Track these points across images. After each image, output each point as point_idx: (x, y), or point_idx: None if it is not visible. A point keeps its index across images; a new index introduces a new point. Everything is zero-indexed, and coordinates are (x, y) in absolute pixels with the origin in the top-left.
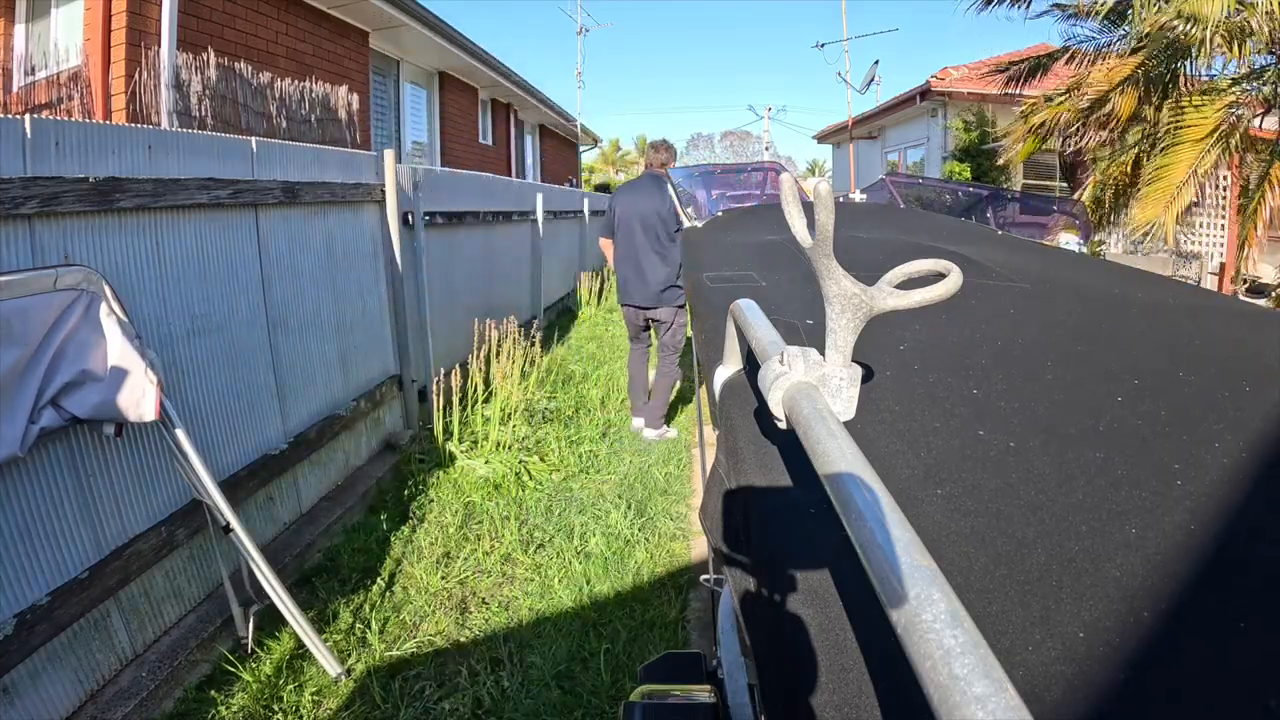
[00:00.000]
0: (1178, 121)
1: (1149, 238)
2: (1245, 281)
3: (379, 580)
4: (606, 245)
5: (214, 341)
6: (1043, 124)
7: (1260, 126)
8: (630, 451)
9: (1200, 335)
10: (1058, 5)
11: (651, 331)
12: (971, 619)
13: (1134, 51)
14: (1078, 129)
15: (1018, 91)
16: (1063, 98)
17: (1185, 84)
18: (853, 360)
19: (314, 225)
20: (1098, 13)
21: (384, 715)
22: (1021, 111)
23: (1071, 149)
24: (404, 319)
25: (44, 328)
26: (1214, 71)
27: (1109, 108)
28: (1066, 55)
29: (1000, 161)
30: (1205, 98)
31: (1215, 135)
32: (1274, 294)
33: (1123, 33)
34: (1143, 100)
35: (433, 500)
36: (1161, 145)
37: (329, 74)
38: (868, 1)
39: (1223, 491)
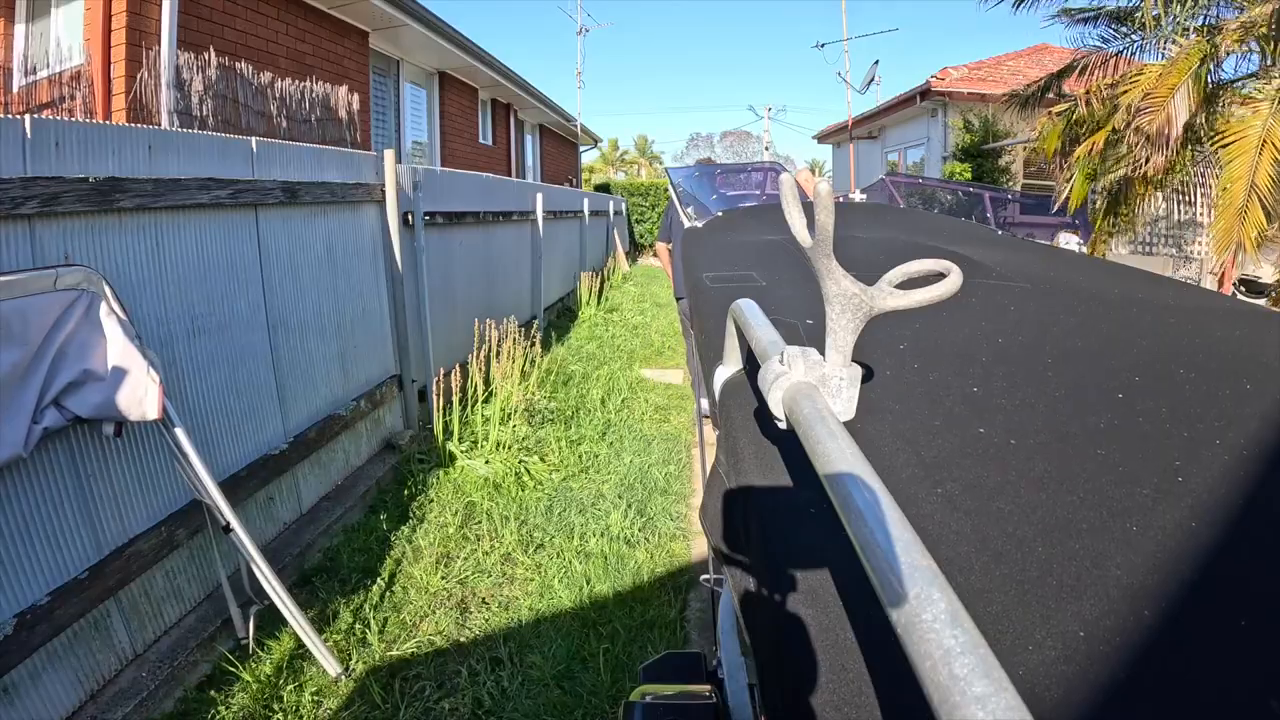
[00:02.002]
0: (1222, 135)
1: (1223, 263)
2: (1243, 283)
3: (379, 580)
4: (663, 249)
5: (214, 341)
6: (1090, 152)
7: None
8: (630, 452)
9: (1200, 334)
10: (1065, 11)
11: None
12: (971, 619)
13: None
14: (1118, 148)
15: (1035, 98)
16: (1097, 112)
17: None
18: (853, 360)
19: (314, 225)
20: (1130, 19)
21: (384, 715)
22: (1038, 121)
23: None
24: (404, 319)
25: (45, 328)
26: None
27: (1159, 122)
28: (1077, 70)
29: (1002, 163)
30: (1245, 106)
31: (1262, 142)
32: (1273, 294)
33: (1136, 39)
34: (1196, 111)
35: (433, 500)
36: (1215, 160)
37: (329, 74)
38: (868, 1)
39: (1223, 489)
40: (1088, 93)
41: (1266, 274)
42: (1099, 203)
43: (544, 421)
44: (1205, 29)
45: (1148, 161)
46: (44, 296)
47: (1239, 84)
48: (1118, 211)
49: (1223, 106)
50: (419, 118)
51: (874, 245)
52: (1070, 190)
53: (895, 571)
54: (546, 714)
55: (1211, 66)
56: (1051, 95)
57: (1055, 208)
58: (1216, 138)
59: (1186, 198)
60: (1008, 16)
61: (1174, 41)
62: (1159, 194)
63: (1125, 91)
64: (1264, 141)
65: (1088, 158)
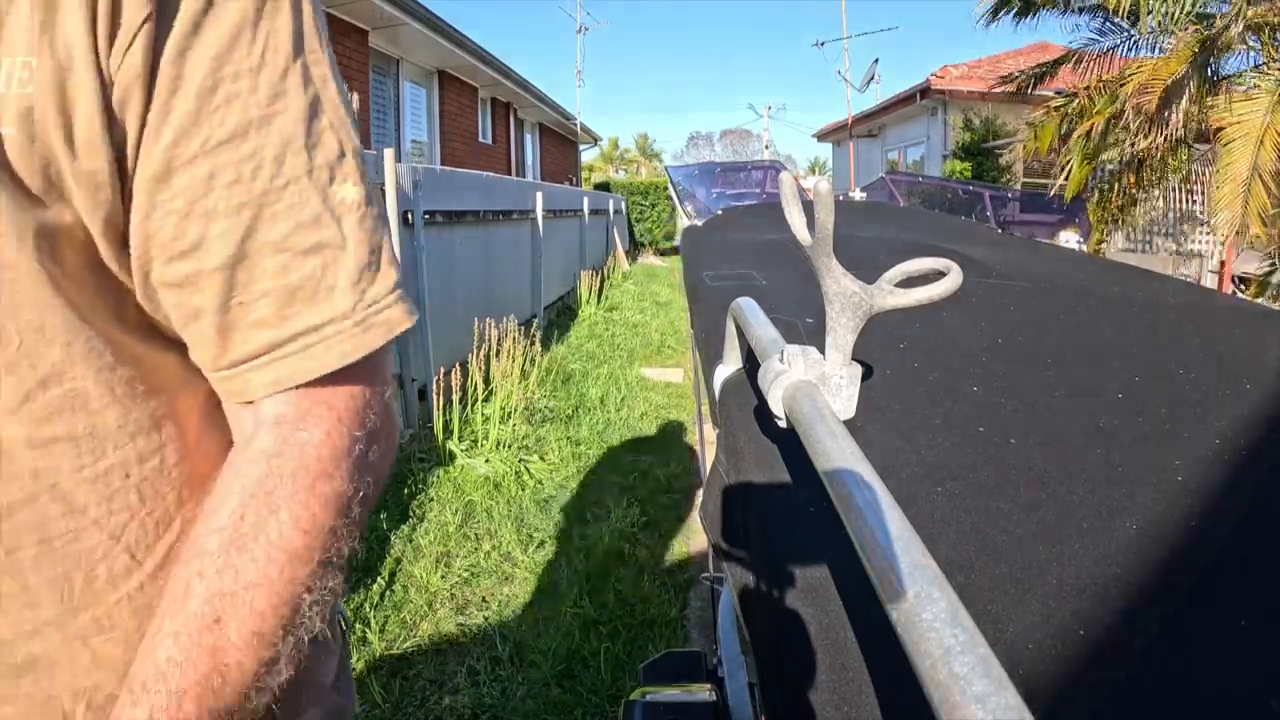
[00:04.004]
0: (1224, 120)
1: (1232, 242)
2: (1242, 281)
3: (379, 579)
4: None
5: None
6: (1088, 134)
7: None
8: (630, 450)
9: (1200, 333)
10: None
11: None
12: (971, 617)
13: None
14: (1120, 133)
15: (1029, 91)
16: (1095, 105)
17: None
18: (853, 359)
19: None
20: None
21: (384, 714)
22: (1029, 120)
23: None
24: None
25: None
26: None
27: (1158, 107)
28: (1074, 60)
29: (1002, 162)
30: (1248, 94)
31: (1265, 127)
32: (1256, 284)
33: (1129, 34)
34: (1192, 100)
35: (433, 499)
36: (1221, 142)
37: None
38: (867, 0)
39: (1223, 489)
40: (1087, 87)
41: (1253, 268)
42: (1097, 194)
43: (544, 420)
44: (1200, 18)
45: (1147, 138)
46: None
47: (1239, 76)
48: (1119, 203)
49: (1223, 96)
50: (418, 116)
51: (874, 244)
52: (1069, 175)
53: (895, 570)
54: (546, 713)
55: (1211, 56)
56: (1047, 91)
57: (1052, 194)
58: (1219, 131)
59: (1187, 192)
60: (1006, 19)
61: (1171, 34)
62: (1156, 190)
63: (1124, 84)
64: (1266, 128)
65: (1086, 139)
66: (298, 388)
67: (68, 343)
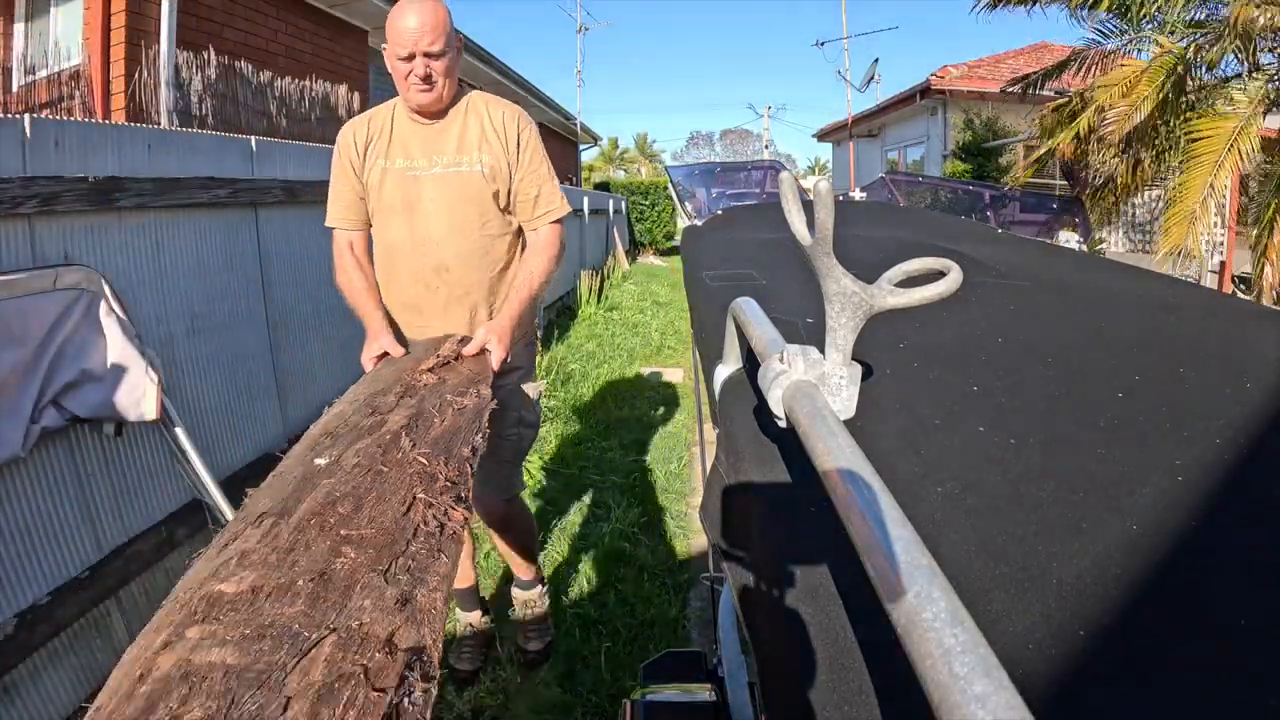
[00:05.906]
0: (1191, 133)
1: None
2: (1242, 281)
3: None
4: None
5: (214, 340)
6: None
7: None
8: (630, 450)
9: (1201, 333)
10: None
11: None
12: (972, 618)
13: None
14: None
15: (1031, 91)
16: (1071, 122)
17: (1195, 87)
18: (853, 358)
19: (315, 223)
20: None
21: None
22: (1037, 118)
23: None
24: None
25: (44, 327)
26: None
27: (1126, 121)
28: (1076, 64)
29: (1002, 162)
30: (1216, 109)
31: (1229, 145)
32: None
33: (1128, 35)
34: (1161, 110)
35: None
36: (1180, 159)
37: (328, 73)
38: (867, 0)
39: (1224, 489)
40: (1079, 93)
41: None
42: (1093, 196)
43: (544, 420)
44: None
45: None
46: (43, 296)
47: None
48: (1116, 199)
49: (1206, 107)
50: None
51: (874, 244)
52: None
53: (895, 570)
54: (546, 713)
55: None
56: (1048, 91)
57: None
58: (1188, 142)
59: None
60: (1006, 15)
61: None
62: (1152, 183)
63: (1102, 88)
64: (1235, 139)
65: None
66: (548, 224)
67: (494, 213)
